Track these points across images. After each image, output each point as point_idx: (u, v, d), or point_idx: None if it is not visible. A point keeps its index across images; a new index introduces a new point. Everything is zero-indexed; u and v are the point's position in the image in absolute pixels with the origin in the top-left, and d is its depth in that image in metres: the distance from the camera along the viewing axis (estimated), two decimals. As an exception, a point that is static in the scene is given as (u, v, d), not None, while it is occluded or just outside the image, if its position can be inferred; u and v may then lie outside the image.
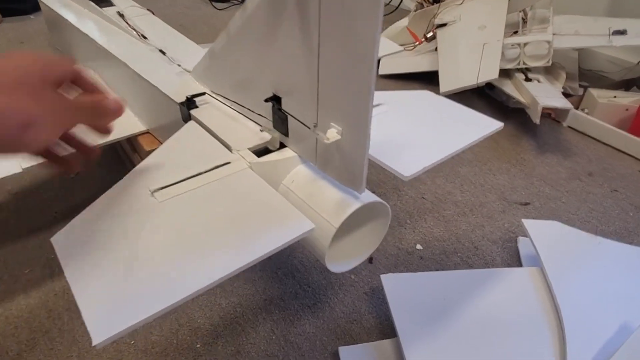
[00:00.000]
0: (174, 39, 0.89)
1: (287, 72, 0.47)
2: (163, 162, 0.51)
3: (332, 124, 0.44)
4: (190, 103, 0.62)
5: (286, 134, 0.52)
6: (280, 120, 0.52)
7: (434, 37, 1.53)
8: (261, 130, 0.54)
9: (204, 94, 0.63)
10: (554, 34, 1.32)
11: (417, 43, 1.57)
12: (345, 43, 0.38)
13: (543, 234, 0.78)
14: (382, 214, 0.51)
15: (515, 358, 0.61)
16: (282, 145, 0.55)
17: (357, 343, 0.69)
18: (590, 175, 1.13)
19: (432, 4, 1.63)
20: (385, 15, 2.25)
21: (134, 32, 0.88)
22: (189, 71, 0.72)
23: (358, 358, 0.63)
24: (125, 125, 0.80)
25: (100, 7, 0.98)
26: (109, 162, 1.04)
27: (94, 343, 0.31)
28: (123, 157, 1.00)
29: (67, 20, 0.96)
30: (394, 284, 0.70)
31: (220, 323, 0.73)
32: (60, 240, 0.40)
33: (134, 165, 0.92)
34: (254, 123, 0.58)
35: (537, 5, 1.47)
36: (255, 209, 0.45)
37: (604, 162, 1.18)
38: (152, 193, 0.46)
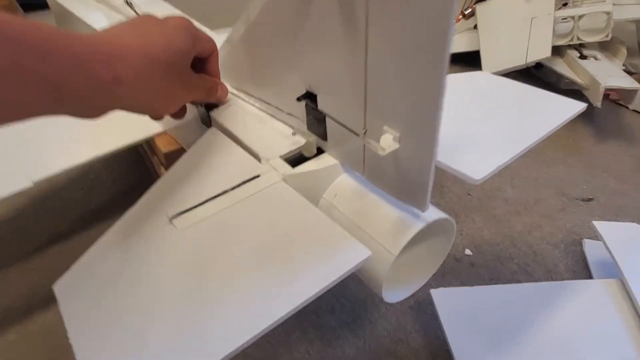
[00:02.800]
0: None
1: (323, 64, 0.38)
2: (183, 178, 0.43)
3: (385, 127, 0.35)
4: (209, 104, 0.54)
5: (324, 138, 0.43)
6: (316, 122, 0.43)
7: (472, 14, 1.40)
8: (293, 134, 0.45)
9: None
10: (613, 4, 1.18)
11: (455, 22, 1.44)
12: (405, 26, 0.29)
13: (620, 240, 0.67)
14: (446, 229, 0.42)
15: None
16: (319, 151, 0.46)
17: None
18: (661, 163, 1.00)
19: (469, -23, 1.49)
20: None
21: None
22: (207, 64, 0.64)
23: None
24: (143, 126, 0.73)
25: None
26: (129, 161, 0.98)
27: None
28: (142, 155, 0.94)
29: (73, 13, 0.89)
30: (446, 300, 0.61)
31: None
32: (63, 289, 0.33)
33: (153, 168, 0.86)
34: (284, 125, 0.49)
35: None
36: (295, 235, 0.37)
37: (676, 148, 1.04)
38: (170, 219, 0.38)
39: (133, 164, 0.97)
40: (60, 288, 0.33)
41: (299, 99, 0.42)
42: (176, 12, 0.87)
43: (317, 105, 0.42)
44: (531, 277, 0.74)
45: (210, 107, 0.54)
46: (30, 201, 0.93)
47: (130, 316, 0.31)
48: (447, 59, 0.28)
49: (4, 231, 0.86)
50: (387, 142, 0.34)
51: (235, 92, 0.55)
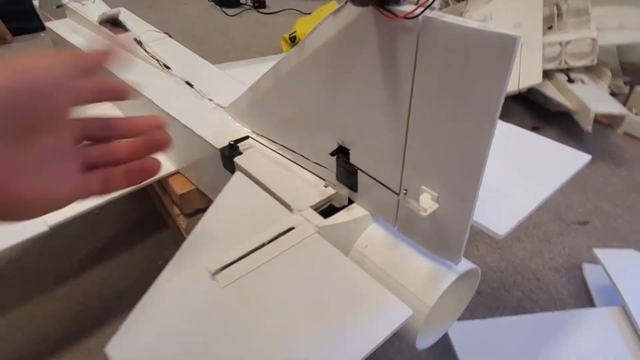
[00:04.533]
0: (198, 66, 0.81)
1: (360, 123, 0.40)
2: (217, 228, 0.44)
3: (423, 187, 0.37)
4: (233, 149, 0.55)
5: (354, 189, 0.45)
6: (347, 174, 0.45)
7: (463, 38, 1.44)
8: (325, 186, 0.47)
9: (247, 137, 0.56)
10: (600, 29, 1.23)
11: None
12: (452, 98, 0.31)
13: (620, 267, 0.71)
14: (471, 276, 0.44)
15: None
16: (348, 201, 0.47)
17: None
18: (649, 185, 1.05)
19: (458, 2, 1.54)
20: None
21: (155, 62, 0.81)
22: (222, 106, 0.65)
23: None
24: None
25: (115, 33, 0.91)
26: (133, 197, 0.97)
27: None
28: (150, 192, 0.94)
29: (78, 48, 0.89)
30: (461, 334, 0.63)
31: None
32: (116, 351, 0.33)
33: (163, 206, 0.86)
34: (311, 173, 0.50)
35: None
36: (338, 293, 0.38)
37: (662, 169, 1.10)
38: (212, 275, 0.39)
39: (137, 200, 0.97)
40: (112, 350, 0.34)
41: (332, 154, 0.44)
42: (185, 51, 0.88)
43: (349, 159, 0.44)
44: (536, 304, 0.76)
45: (233, 153, 0.55)
46: (32, 240, 0.91)
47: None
48: (495, 126, 0.30)
49: (8, 273, 0.85)
50: (427, 202, 0.36)
51: (258, 138, 0.57)
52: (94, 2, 1.05)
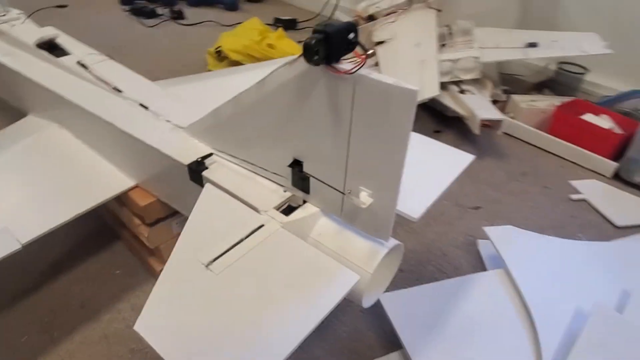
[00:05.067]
0: (147, 88, 0.89)
1: (312, 143, 0.53)
2: (201, 230, 0.55)
3: (361, 187, 0.51)
4: (200, 165, 0.65)
5: (307, 192, 0.59)
6: (301, 180, 0.58)
7: (374, 54, 1.64)
8: (285, 191, 0.60)
9: (211, 154, 0.67)
10: (482, 48, 1.50)
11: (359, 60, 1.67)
12: (379, 126, 0.46)
13: (502, 239, 0.92)
14: (397, 251, 0.59)
15: (500, 351, 0.73)
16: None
17: (367, 358, 0.77)
18: (524, 174, 1.31)
19: (367, 22, 1.74)
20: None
21: (105, 85, 0.87)
22: (180, 127, 0.75)
23: (376, 374, 0.71)
24: (114, 182, 0.80)
25: (56, 56, 0.94)
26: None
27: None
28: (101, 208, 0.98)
29: (21, 74, 0.92)
30: (390, 301, 0.79)
31: None
32: (143, 326, 0.43)
33: (117, 219, 0.91)
34: (269, 181, 0.63)
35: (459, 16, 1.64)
36: (303, 269, 0.51)
37: (533, 161, 1.37)
38: (206, 266, 0.50)
39: (83, 216, 1.01)
40: (142, 325, 0.44)
41: (290, 166, 0.57)
42: (128, 73, 0.94)
43: (302, 169, 0.57)
44: (445, 274, 0.96)
45: (200, 168, 0.65)
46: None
47: (207, 336, 0.43)
48: (408, 145, 0.45)
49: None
50: (366, 198, 0.50)
51: (219, 154, 0.67)
52: (23, 22, 1.07)
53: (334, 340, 0.82)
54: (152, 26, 2.29)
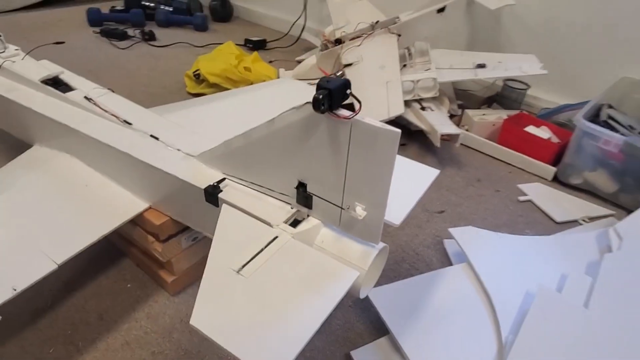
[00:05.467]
0: (153, 120, 0.99)
1: (315, 170, 0.67)
2: (227, 243, 0.68)
3: (357, 203, 0.65)
4: (215, 188, 0.78)
5: (310, 208, 0.72)
6: (305, 198, 0.72)
7: (343, 75, 1.80)
8: (292, 208, 0.73)
9: (224, 179, 0.79)
10: (437, 68, 1.69)
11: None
12: (370, 158, 0.60)
13: (464, 238, 1.09)
14: (384, 251, 0.74)
15: (468, 329, 0.89)
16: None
17: (357, 346, 0.91)
18: (479, 180, 1.50)
19: (335, 45, 1.90)
20: (287, 47, 2.49)
21: (114, 118, 0.97)
22: (190, 155, 0.86)
23: (369, 355, 0.85)
24: (130, 205, 0.91)
25: (62, 92, 1.03)
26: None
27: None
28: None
29: (31, 109, 1.00)
30: (377, 295, 0.94)
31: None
32: (197, 321, 0.55)
33: (124, 237, 1.01)
34: (275, 200, 0.76)
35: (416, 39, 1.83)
36: (313, 270, 0.65)
37: (486, 168, 1.57)
38: (237, 272, 0.62)
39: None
40: (196, 321, 0.55)
41: (296, 188, 0.70)
42: (131, 105, 1.04)
43: (306, 189, 0.70)
44: (418, 271, 1.11)
45: (216, 191, 0.77)
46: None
47: (247, 325, 0.56)
48: (393, 170, 0.60)
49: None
50: (361, 211, 0.65)
51: (229, 177, 0.80)
52: (23, 58, 1.15)
53: (330, 332, 0.95)
54: (124, 48, 2.36)
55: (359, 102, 0.59)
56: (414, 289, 0.97)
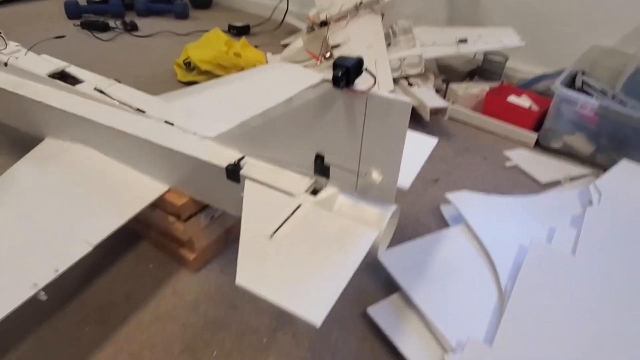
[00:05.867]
0: (164, 107, 1.04)
1: (333, 142, 0.74)
2: (257, 214, 0.74)
3: (373, 169, 0.73)
4: (236, 166, 0.84)
5: (328, 177, 0.79)
6: (322, 169, 0.78)
7: (331, 56, 1.85)
8: (311, 178, 0.80)
9: (244, 157, 0.85)
10: (422, 46, 1.76)
11: (318, 63, 1.88)
12: (384, 128, 0.67)
13: (461, 201, 1.18)
14: (397, 212, 0.81)
15: (470, 281, 0.98)
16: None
17: (371, 304, 0.99)
18: (467, 150, 1.60)
19: (321, 27, 1.95)
20: (271, 31, 2.51)
21: (127, 107, 1.01)
22: (207, 137, 0.92)
23: (384, 311, 0.94)
24: (151, 188, 0.96)
25: (71, 84, 1.07)
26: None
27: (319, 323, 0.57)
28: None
29: (42, 102, 1.03)
30: (386, 257, 1.02)
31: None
32: (242, 280, 0.62)
33: (140, 221, 1.06)
34: (293, 172, 0.82)
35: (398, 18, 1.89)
36: (337, 232, 0.72)
37: (473, 138, 1.66)
38: (270, 237, 0.69)
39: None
40: (242, 281, 0.62)
41: (315, 160, 0.77)
42: (140, 94, 1.08)
43: (323, 161, 0.77)
44: (420, 234, 1.19)
45: (237, 168, 0.83)
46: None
47: (287, 279, 0.63)
48: (404, 138, 0.67)
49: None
50: (377, 176, 0.72)
51: (249, 155, 0.86)
52: (25, 54, 1.17)
53: (345, 295, 1.01)
54: (108, 40, 2.35)
55: (374, 77, 0.65)
56: (419, 250, 1.05)
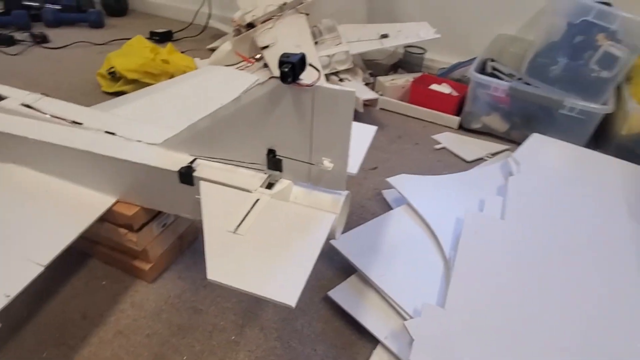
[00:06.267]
0: (101, 117, 1.01)
1: (283, 136, 0.77)
2: (217, 212, 0.76)
3: (324, 158, 0.77)
4: (189, 169, 0.84)
5: (281, 171, 0.83)
6: (275, 163, 0.82)
7: (261, 57, 1.88)
8: (265, 173, 0.83)
9: (195, 159, 0.86)
10: (348, 42, 1.85)
11: (250, 64, 1.90)
12: (331, 117, 0.72)
13: (400, 184, 1.27)
14: (349, 198, 0.87)
15: (418, 255, 1.07)
16: (274, 179, 0.84)
17: (330, 289, 1.04)
18: (399, 137, 1.70)
19: (248, 29, 1.96)
20: (195, 36, 2.48)
21: (61, 121, 0.97)
22: (153, 143, 0.91)
23: (344, 293, 0.99)
24: (97, 202, 0.93)
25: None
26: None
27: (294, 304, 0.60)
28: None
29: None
30: (339, 242, 1.07)
31: (238, 316, 0.98)
32: (213, 274, 0.64)
33: (85, 239, 1.02)
34: (246, 169, 0.85)
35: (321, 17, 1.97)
36: (297, 220, 0.76)
37: (404, 126, 1.78)
38: (234, 232, 0.72)
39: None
40: (212, 275, 0.64)
41: (267, 154, 0.80)
42: (72, 106, 1.04)
43: (275, 155, 0.81)
44: (365, 220, 1.27)
45: (190, 170, 0.84)
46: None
47: (253, 269, 0.66)
48: (351, 126, 0.72)
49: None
50: (328, 164, 0.77)
51: (199, 157, 0.87)
52: None
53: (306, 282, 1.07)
54: (16, 54, 2.19)
55: (319, 70, 0.70)
56: (369, 233, 1.12)
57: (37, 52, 2.23)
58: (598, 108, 1.56)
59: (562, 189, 1.28)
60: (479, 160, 1.58)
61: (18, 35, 2.31)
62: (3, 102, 1.00)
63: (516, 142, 1.67)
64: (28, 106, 1.00)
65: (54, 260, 0.81)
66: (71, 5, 2.59)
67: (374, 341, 0.92)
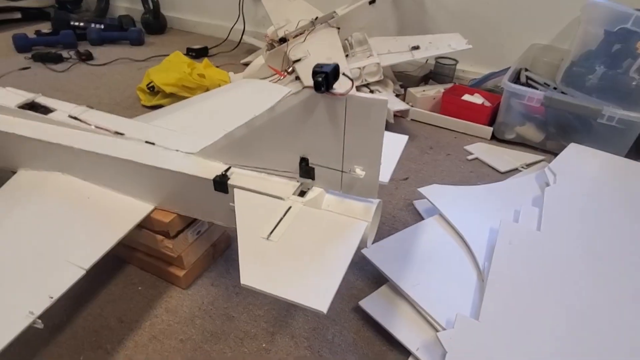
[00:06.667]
0: (142, 128, 1.05)
1: (316, 144, 0.79)
2: (252, 219, 0.78)
3: (356, 166, 0.78)
4: (224, 177, 0.87)
5: (313, 179, 0.84)
6: (307, 171, 0.83)
7: (293, 70, 1.92)
8: (297, 181, 0.84)
9: (230, 167, 0.89)
10: (378, 54, 1.86)
11: (282, 77, 1.94)
12: (364, 126, 0.73)
13: (433, 194, 1.26)
14: (380, 206, 0.87)
15: (451, 265, 1.05)
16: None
17: (361, 299, 1.04)
18: (431, 148, 1.69)
19: (280, 44, 2.01)
20: (230, 51, 2.55)
21: (105, 131, 1.02)
22: (190, 153, 0.94)
23: (375, 302, 0.99)
24: (137, 209, 0.97)
25: (43, 114, 1.06)
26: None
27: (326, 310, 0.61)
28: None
29: (15, 134, 1.02)
30: (370, 252, 1.07)
31: (268, 318, 0.99)
32: (247, 280, 0.65)
33: (123, 245, 1.06)
34: (279, 177, 0.87)
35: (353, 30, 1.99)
36: (329, 227, 0.77)
37: (435, 137, 1.76)
38: (267, 239, 0.73)
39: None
40: (246, 281, 0.65)
41: (300, 163, 0.81)
42: (114, 117, 1.09)
43: (308, 163, 0.82)
44: (397, 229, 1.26)
45: (225, 178, 0.86)
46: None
47: (286, 274, 0.67)
48: (383, 133, 0.73)
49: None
50: (360, 172, 0.77)
51: (234, 166, 0.89)
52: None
53: (337, 292, 1.07)
54: (63, 71, 2.31)
55: (351, 80, 0.71)
56: (400, 242, 1.12)
57: (82, 69, 2.36)
58: (639, 117, 1.51)
59: (600, 200, 1.24)
60: (514, 171, 1.55)
61: (65, 53, 2.45)
62: (52, 114, 1.06)
63: (552, 153, 1.62)
64: (75, 118, 1.05)
65: (94, 264, 0.84)
66: (114, 24, 2.73)
67: (405, 352, 0.91)
